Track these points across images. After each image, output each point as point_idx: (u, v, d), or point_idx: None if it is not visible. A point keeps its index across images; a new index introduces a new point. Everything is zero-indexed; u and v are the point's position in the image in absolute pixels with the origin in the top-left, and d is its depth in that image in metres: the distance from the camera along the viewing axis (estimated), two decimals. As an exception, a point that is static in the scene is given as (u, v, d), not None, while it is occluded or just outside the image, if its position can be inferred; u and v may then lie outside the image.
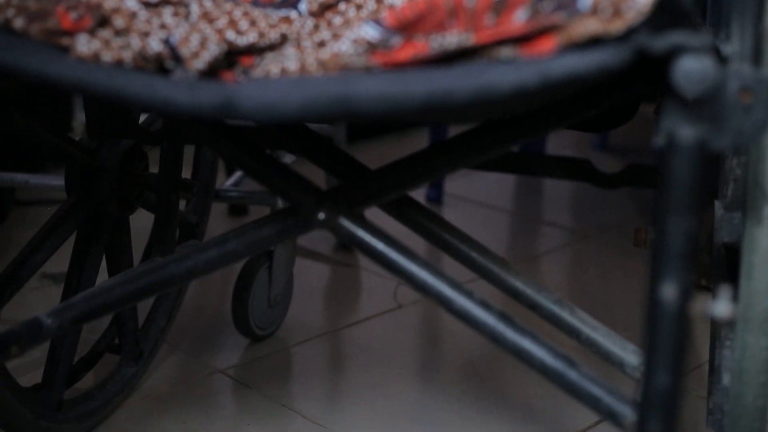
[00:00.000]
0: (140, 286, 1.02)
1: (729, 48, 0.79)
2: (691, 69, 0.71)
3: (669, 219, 0.71)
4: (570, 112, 0.94)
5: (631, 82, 0.86)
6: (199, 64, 0.82)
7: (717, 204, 1.17)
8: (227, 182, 2.12)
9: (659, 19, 0.73)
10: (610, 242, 2.22)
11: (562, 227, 2.32)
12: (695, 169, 0.71)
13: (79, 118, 2.28)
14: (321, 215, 0.96)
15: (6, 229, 2.14)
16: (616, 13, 0.71)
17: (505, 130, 0.97)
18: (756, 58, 0.78)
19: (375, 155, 2.22)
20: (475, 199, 2.47)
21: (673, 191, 0.71)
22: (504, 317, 0.90)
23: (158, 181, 1.41)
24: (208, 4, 0.92)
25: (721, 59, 0.78)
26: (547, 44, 0.74)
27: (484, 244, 1.14)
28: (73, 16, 0.87)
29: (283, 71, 0.82)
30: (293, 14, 0.93)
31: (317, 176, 1.64)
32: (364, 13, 0.93)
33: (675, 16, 0.75)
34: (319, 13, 0.94)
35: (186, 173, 1.50)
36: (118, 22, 0.86)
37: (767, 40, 0.91)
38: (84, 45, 0.83)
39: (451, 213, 2.38)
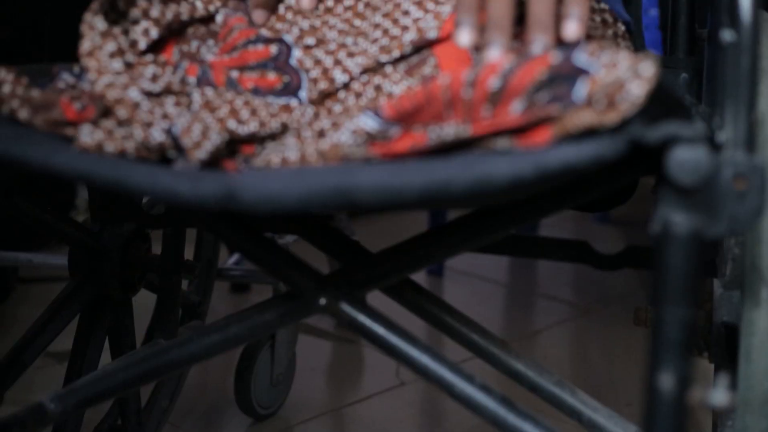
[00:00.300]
0: (143, 370, 1.02)
1: (723, 135, 0.80)
2: (685, 159, 0.72)
3: (665, 308, 0.72)
4: (568, 197, 0.95)
5: (628, 168, 0.87)
6: (201, 154, 0.83)
7: (716, 283, 1.17)
8: (229, 260, 2.13)
9: (653, 109, 0.74)
10: (612, 317, 2.22)
11: (564, 301, 2.33)
12: (690, 259, 0.72)
13: (82, 195, 2.30)
14: (322, 300, 0.97)
15: (10, 306, 2.15)
16: (611, 104, 0.72)
17: (504, 214, 0.98)
18: (749, 145, 0.79)
19: (376, 229, 2.24)
20: (476, 272, 2.48)
21: (668, 281, 0.72)
22: (505, 401, 0.90)
23: (161, 262, 1.42)
24: (210, 93, 0.93)
25: (715, 146, 0.79)
26: (543, 135, 0.75)
27: (484, 322, 1.14)
28: (76, 106, 0.89)
29: (284, 161, 0.83)
30: (293, 102, 0.94)
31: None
32: (363, 101, 0.94)
33: (668, 106, 0.77)
34: (319, 101, 0.95)
35: (188, 251, 1.51)
36: (121, 112, 0.88)
37: (760, 126, 0.93)
38: (87, 135, 0.84)
39: (451, 287, 2.39)
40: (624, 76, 0.73)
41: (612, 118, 0.72)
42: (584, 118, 0.73)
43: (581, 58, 0.76)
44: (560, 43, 0.85)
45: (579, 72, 0.75)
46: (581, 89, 0.74)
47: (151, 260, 1.39)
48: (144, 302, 1.57)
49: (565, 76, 0.76)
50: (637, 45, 1.30)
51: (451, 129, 0.78)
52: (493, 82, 0.77)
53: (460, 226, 1.01)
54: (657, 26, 2.11)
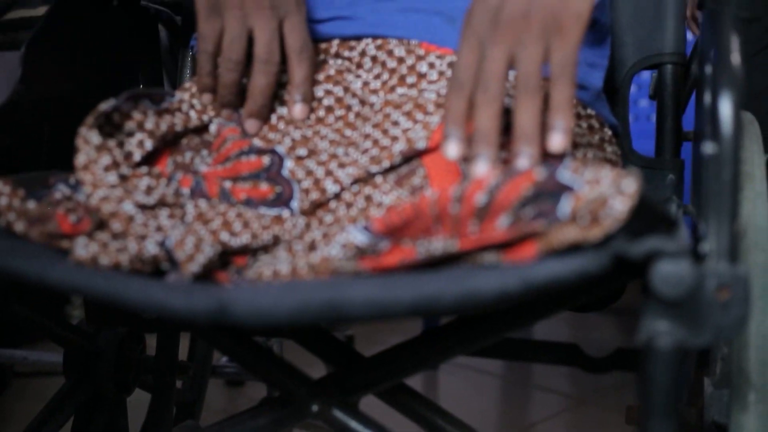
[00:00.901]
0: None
1: (706, 245, 0.81)
2: (668, 273, 0.73)
3: (649, 421, 0.73)
4: (558, 303, 0.96)
5: (615, 276, 0.88)
6: (194, 267, 0.85)
7: (706, 381, 1.18)
8: (224, 357, 2.13)
9: (636, 223, 0.75)
10: (607, 407, 2.22)
11: (559, 392, 2.32)
12: (674, 374, 0.73)
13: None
14: (314, 407, 0.98)
15: (6, 401, 2.15)
16: (594, 220, 0.74)
17: (496, 320, 1.00)
18: (732, 255, 0.80)
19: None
20: (471, 365, 2.48)
21: (652, 395, 0.73)
22: None
23: (155, 364, 1.43)
24: (203, 205, 0.95)
25: (700, 255, 0.80)
26: (529, 250, 0.76)
27: (480, 415, 1.16)
28: (72, 219, 0.90)
29: (275, 274, 0.84)
30: (285, 213, 0.96)
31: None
32: (353, 211, 0.96)
33: (652, 219, 0.78)
34: (310, 211, 0.96)
35: (183, 345, 1.52)
36: (116, 225, 0.89)
37: (745, 232, 0.94)
38: (82, 249, 0.86)
39: (446, 379, 2.38)
40: (607, 192, 0.74)
41: (596, 233, 0.73)
42: (569, 234, 0.74)
43: (565, 174, 0.78)
44: (546, 153, 0.87)
45: (563, 188, 0.77)
46: (565, 205, 0.75)
47: (146, 361, 1.40)
48: (138, 400, 1.58)
49: (550, 192, 0.77)
50: (625, 147, 1.32)
51: (439, 244, 0.79)
52: (479, 198, 0.79)
53: (453, 330, 1.02)
54: (647, 117, 2.14)
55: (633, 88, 1.51)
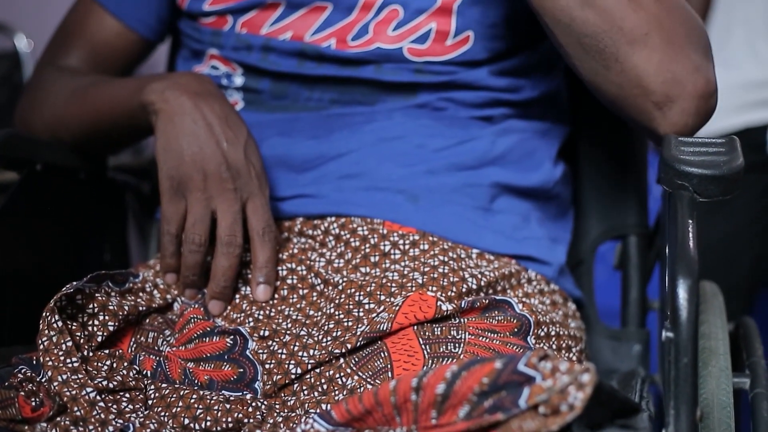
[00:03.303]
0: None
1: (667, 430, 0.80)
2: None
3: None
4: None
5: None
6: None
7: None
8: None
9: (596, 412, 0.75)
10: None
11: None
12: None
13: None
14: None
15: None
16: (554, 411, 0.74)
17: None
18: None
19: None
20: None
21: None
22: None
23: None
24: (165, 388, 0.94)
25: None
26: (489, 441, 0.76)
27: None
28: (33, 403, 0.90)
29: None
30: (248, 395, 0.95)
31: None
32: (315, 393, 0.95)
33: (611, 408, 0.78)
34: (273, 392, 0.96)
35: None
36: (77, 411, 0.89)
37: (710, 408, 0.94)
38: None
39: None
40: (565, 383, 0.74)
41: (555, 424, 0.73)
42: (528, 425, 0.74)
43: (525, 366, 0.78)
44: (508, 343, 0.88)
45: (522, 379, 0.77)
46: (525, 396, 0.75)
47: None
48: None
49: (510, 383, 0.77)
50: (591, 319, 1.33)
51: (399, 433, 0.79)
52: (439, 388, 0.78)
53: None
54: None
55: (606, 245, 1.51)
